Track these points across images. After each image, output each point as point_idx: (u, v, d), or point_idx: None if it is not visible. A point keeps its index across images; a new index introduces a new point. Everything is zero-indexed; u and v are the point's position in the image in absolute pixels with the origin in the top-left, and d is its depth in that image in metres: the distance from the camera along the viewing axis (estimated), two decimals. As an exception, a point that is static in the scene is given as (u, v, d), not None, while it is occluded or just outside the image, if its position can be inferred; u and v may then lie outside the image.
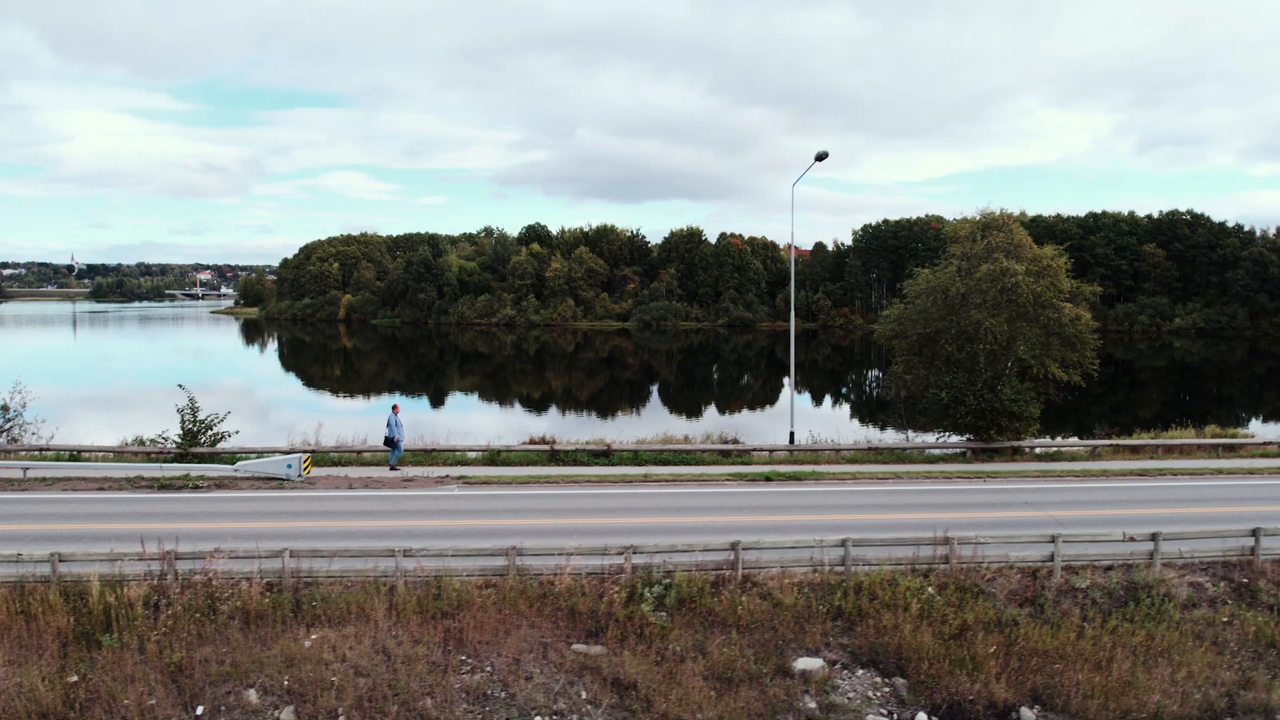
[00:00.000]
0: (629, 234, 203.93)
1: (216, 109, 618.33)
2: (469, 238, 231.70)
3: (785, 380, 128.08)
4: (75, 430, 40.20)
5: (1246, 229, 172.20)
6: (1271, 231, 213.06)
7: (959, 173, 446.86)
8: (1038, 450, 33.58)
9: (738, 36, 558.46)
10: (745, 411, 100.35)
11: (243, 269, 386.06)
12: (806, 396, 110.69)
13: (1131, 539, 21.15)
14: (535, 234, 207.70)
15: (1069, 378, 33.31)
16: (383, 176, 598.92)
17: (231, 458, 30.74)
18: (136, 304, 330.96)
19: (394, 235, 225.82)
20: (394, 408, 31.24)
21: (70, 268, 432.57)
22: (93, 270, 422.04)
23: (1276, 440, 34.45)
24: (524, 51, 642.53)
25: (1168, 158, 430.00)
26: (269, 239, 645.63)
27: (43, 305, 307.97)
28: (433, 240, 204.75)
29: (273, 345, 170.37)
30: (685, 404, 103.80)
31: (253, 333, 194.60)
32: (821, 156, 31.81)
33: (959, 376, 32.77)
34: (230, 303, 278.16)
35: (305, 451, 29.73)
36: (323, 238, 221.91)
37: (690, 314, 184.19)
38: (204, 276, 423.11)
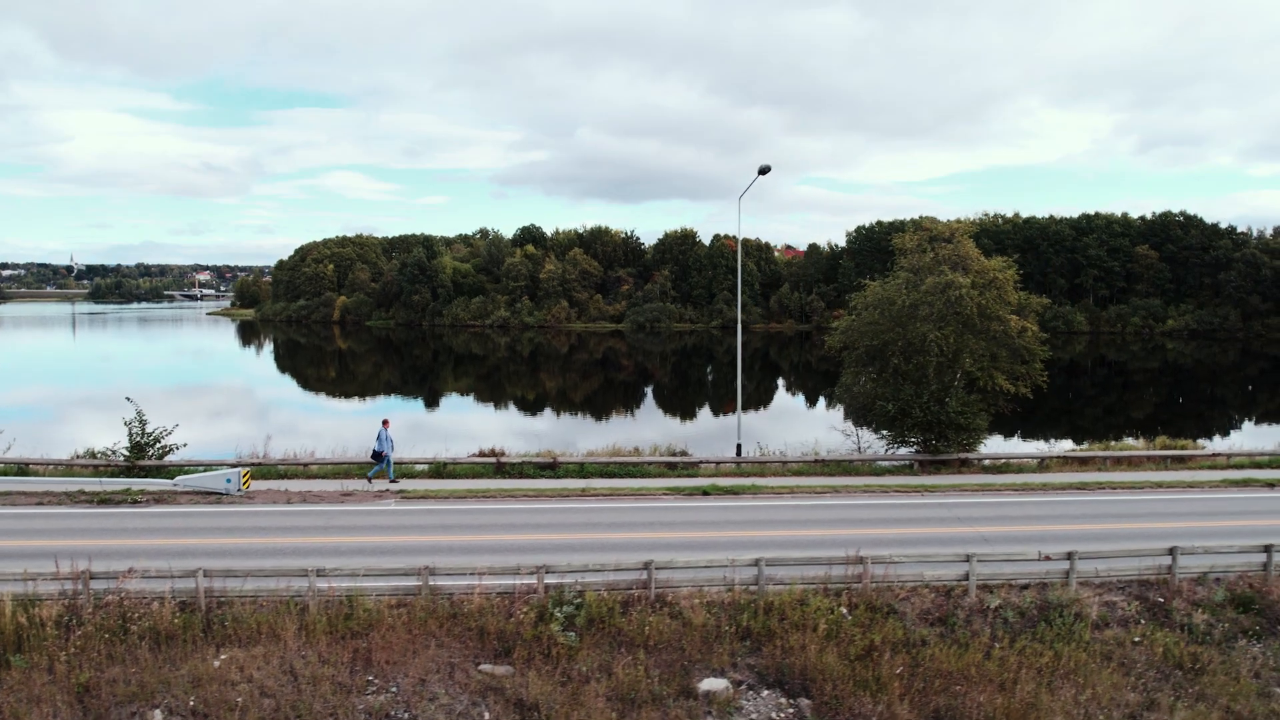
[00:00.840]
0: (623, 235, 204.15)
1: (216, 109, 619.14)
2: (464, 239, 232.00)
3: (779, 382, 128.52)
4: (42, 440, 40.36)
5: (1240, 230, 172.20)
6: (1270, 232, 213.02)
7: (959, 173, 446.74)
8: (985, 462, 33.59)
9: (738, 36, 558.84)
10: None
11: (242, 269, 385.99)
12: (801, 399, 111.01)
13: (1047, 558, 21.22)
14: (530, 235, 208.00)
15: (1017, 390, 33.30)
16: (382, 176, 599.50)
17: (178, 471, 30.84)
18: (135, 305, 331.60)
19: (390, 236, 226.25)
20: (384, 422, 31.38)
21: (69, 268, 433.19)
22: (92, 271, 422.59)
23: (1226, 451, 34.30)
24: (524, 51, 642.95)
25: (1168, 158, 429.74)
26: (269, 239, 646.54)
27: (40, 306, 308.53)
28: (427, 242, 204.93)
29: (267, 348, 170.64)
30: (680, 405, 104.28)
31: (247, 335, 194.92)
32: (764, 170, 31.85)
33: (906, 389, 32.83)
34: (227, 303, 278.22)
35: (247, 465, 29.81)
36: (319, 239, 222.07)
37: (684, 315, 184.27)
38: (203, 277, 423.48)
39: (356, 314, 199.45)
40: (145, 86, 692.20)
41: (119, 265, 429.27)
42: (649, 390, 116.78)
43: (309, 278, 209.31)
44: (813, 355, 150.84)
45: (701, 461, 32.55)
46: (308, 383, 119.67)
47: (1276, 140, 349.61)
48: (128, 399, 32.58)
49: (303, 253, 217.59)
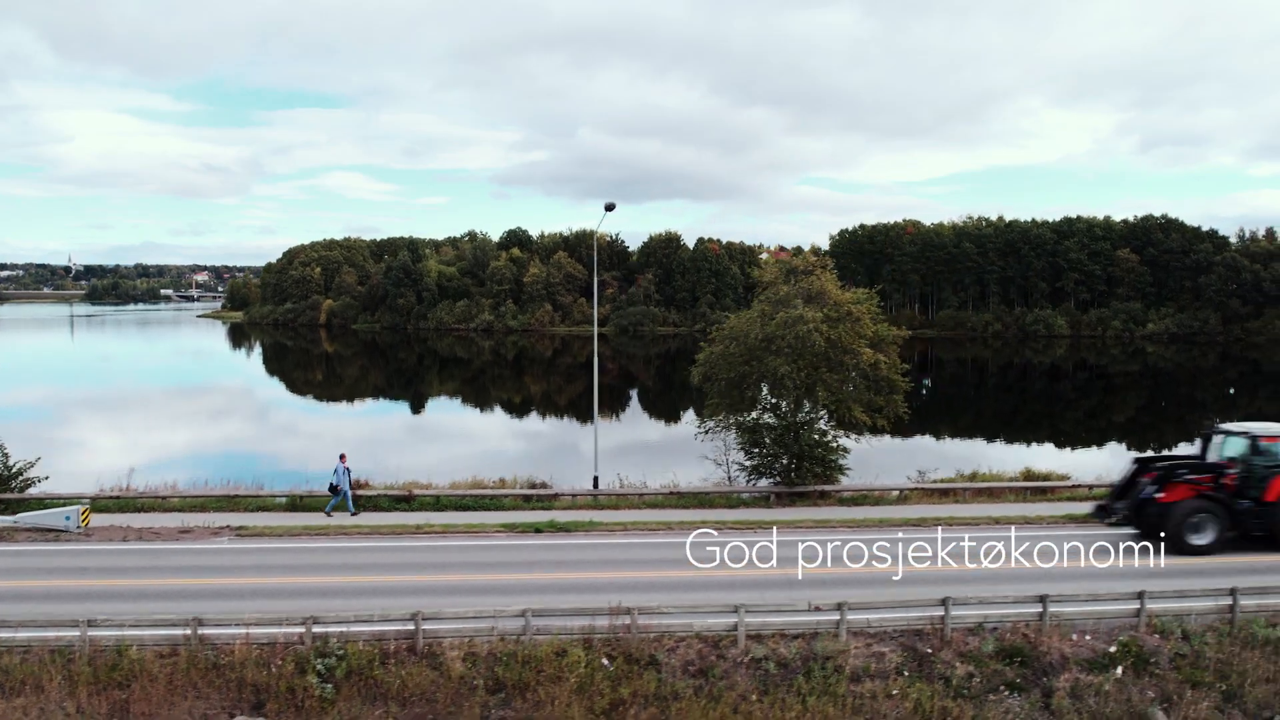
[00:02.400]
0: (609, 238, 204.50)
1: (216, 109, 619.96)
2: (453, 242, 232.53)
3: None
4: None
5: (1223, 234, 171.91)
6: (1262, 233, 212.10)
7: (959, 173, 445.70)
8: (846, 494, 33.74)
9: (738, 36, 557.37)
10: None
11: (241, 270, 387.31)
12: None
13: (816, 608, 21.43)
14: (516, 238, 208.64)
15: (872, 422, 33.43)
16: (383, 177, 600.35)
17: (38, 504, 31.17)
18: (132, 306, 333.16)
19: (378, 239, 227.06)
20: (341, 456, 31.72)
21: (67, 269, 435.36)
22: (90, 271, 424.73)
23: (1090, 483, 34.34)
24: (524, 51, 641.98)
25: (1168, 158, 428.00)
26: (270, 239, 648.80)
27: (34, 308, 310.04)
28: (413, 245, 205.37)
29: (242, 353, 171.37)
30: (664, 408, 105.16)
31: (233, 338, 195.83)
32: (609, 207, 32.16)
33: (763, 420, 33.02)
34: (219, 305, 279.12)
35: (85, 501, 30.13)
36: (307, 241, 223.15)
37: (668, 319, 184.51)
38: (200, 278, 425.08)
39: (343, 317, 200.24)
40: (145, 87, 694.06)
41: (117, 266, 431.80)
42: (634, 393, 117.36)
43: (296, 281, 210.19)
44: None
45: (558, 494, 32.83)
46: (295, 386, 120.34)
47: (1277, 140, 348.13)
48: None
49: (290, 255, 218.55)
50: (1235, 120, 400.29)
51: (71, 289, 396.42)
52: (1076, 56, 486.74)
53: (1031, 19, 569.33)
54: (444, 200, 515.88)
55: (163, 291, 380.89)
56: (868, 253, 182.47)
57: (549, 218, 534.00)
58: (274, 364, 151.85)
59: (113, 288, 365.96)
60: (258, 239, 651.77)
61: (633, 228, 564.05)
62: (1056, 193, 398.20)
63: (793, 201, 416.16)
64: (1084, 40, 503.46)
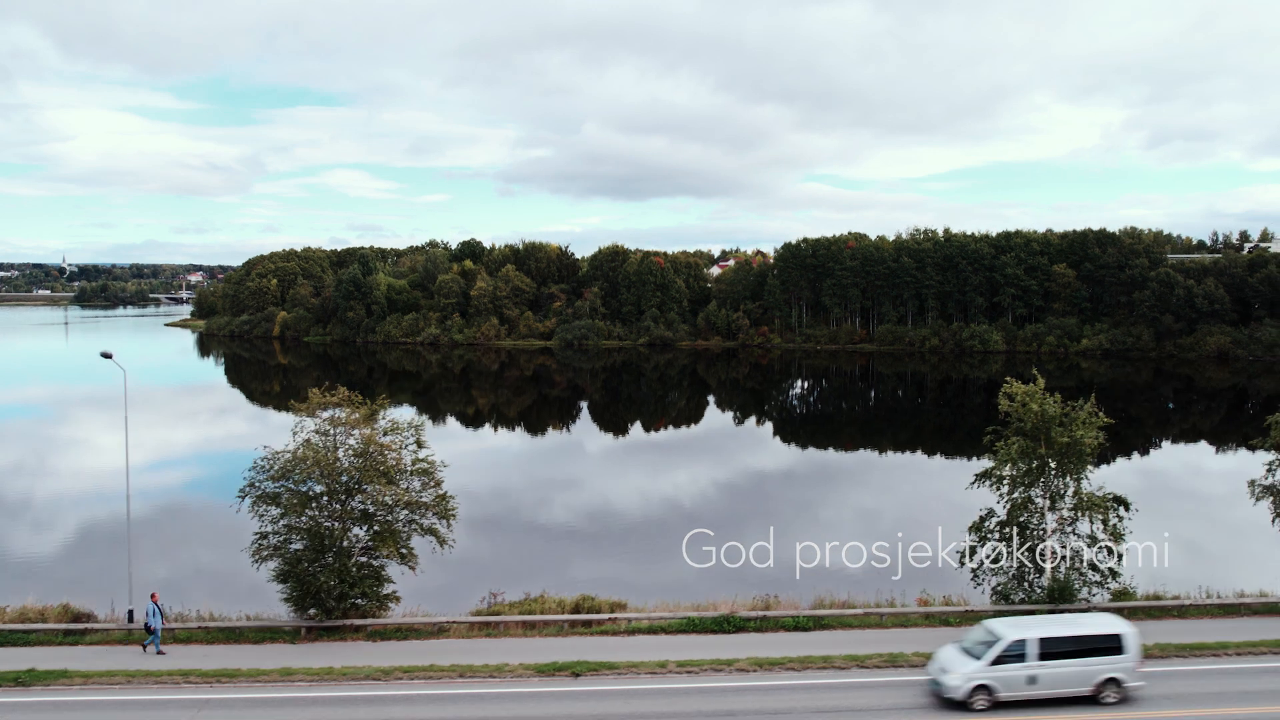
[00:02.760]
0: (559, 250, 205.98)
1: (219, 108, 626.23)
2: (413, 251, 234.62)
3: (710, 398, 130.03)
4: None
5: (1157, 249, 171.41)
6: (1235, 236, 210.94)
7: (961, 169, 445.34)
8: (383, 628, 33.30)
9: (751, 32, 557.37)
10: (671, 429, 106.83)
11: (236, 269, 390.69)
12: (729, 416, 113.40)
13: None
14: (469, 250, 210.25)
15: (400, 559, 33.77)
16: (384, 175, 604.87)
17: None
18: (120, 311, 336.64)
19: (338, 250, 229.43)
20: (153, 595, 32.05)
21: (61, 270, 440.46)
22: (84, 272, 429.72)
23: (635, 615, 33.42)
24: (535, 47, 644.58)
25: (1177, 153, 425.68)
26: (273, 237, 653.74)
27: (15, 312, 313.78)
28: (363, 259, 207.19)
29: (183, 365, 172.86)
30: (612, 422, 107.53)
31: (180, 350, 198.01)
32: (106, 355, 33.86)
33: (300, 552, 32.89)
34: (188, 312, 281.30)
35: None
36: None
37: (613, 332, 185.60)
38: (194, 279, 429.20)
39: (296, 329, 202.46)
40: (149, 85, 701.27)
41: (112, 267, 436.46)
42: (582, 404, 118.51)
43: (253, 292, 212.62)
44: (739, 372, 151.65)
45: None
46: (252, 396, 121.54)
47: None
48: None
49: (250, 266, 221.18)
50: (1245, 115, 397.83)
51: (63, 291, 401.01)
52: (1090, 51, 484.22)
53: (1047, 13, 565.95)
54: (445, 198, 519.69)
55: (151, 295, 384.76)
56: (810, 266, 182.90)
57: (550, 217, 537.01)
58: (242, 374, 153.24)
59: (101, 290, 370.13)
60: (261, 237, 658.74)
61: (635, 225, 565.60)
62: (1059, 189, 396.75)
63: (797, 198, 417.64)
64: (1099, 35, 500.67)
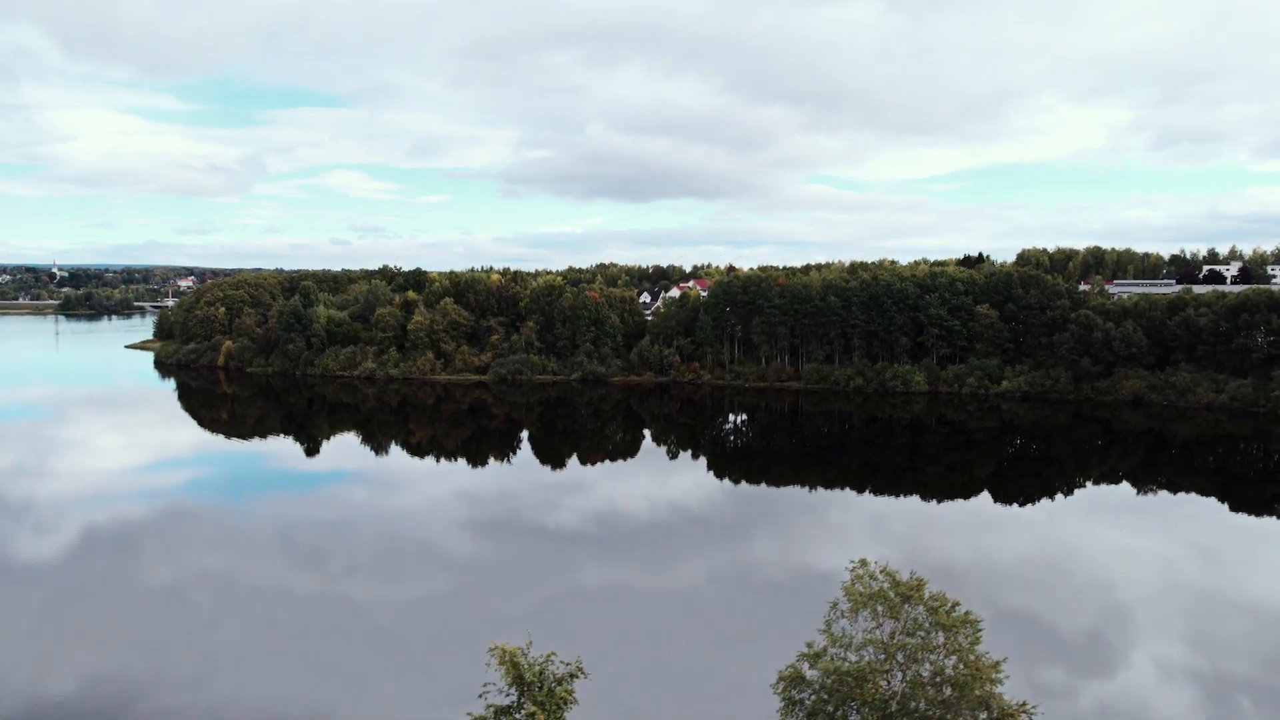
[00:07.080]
0: (500, 281, 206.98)
1: (220, 109, 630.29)
2: (367, 275, 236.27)
3: (646, 432, 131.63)
4: None
5: (1081, 289, 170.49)
6: (1203, 252, 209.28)
7: (965, 170, 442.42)
8: None
9: (757, 32, 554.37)
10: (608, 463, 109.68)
11: (230, 272, 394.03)
12: (662, 451, 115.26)
13: None
14: (412, 280, 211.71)
15: None
16: (385, 175, 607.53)
17: None
18: (105, 321, 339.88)
19: (290, 273, 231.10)
20: None
21: (51, 274, 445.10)
22: (74, 277, 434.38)
23: None
24: (539, 47, 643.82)
25: (1182, 154, 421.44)
26: (274, 238, 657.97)
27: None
28: (305, 290, 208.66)
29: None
30: (551, 454, 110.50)
31: (123, 380, 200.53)
32: None
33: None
34: (150, 333, 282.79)
35: None
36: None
37: (547, 367, 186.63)
38: (185, 284, 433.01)
39: (240, 359, 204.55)
40: (151, 86, 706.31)
41: (104, 270, 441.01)
42: (521, 437, 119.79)
43: (200, 320, 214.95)
44: (672, 407, 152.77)
45: None
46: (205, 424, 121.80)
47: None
48: None
49: (200, 293, 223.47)
50: (1252, 117, 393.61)
51: (50, 298, 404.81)
52: (1099, 52, 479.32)
53: (1056, 14, 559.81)
54: (445, 198, 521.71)
55: (136, 304, 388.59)
56: (740, 302, 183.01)
57: (552, 217, 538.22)
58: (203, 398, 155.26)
59: (86, 299, 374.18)
60: (261, 238, 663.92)
61: (637, 226, 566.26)
62: (1063, 190, 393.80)
63: (800, 199, 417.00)
64: (1108, 35, 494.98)
